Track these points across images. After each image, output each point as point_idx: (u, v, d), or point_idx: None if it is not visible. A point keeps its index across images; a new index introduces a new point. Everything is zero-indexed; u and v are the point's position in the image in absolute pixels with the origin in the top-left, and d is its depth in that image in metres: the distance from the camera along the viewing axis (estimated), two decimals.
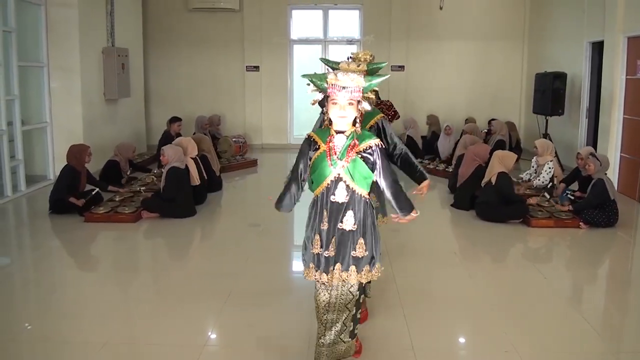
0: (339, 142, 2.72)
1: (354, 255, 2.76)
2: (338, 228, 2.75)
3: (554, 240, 5.74)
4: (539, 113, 9.40)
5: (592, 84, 8.63)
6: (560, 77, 8.89)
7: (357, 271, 2.78)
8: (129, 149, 7.94)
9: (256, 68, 11.38)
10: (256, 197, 6.24)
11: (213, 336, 3.59)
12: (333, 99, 2.64)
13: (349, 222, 2.74)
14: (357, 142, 2.69)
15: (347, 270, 2.77)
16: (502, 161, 6.23)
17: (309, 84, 2.74)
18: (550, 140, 8.32)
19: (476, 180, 6.53)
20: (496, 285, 4.58)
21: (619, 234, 5.83)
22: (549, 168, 7.08)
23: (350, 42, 11.54)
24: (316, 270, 2.80)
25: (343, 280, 2.79)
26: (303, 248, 2.92)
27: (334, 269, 2.77)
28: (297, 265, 5.27)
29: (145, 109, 10.90)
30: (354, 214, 2.74)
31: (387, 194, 2.84)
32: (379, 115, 3.57)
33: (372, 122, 3.46)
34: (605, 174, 6.05)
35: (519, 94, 11.45)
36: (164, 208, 6.14)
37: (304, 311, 3.92)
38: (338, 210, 2.74)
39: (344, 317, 2.87)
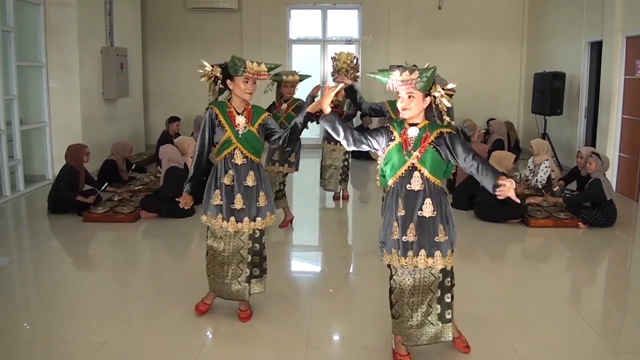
0: (412, 133, 2.93)
1: (437, 240, 2.94)
2: (418, 215, 2.93)
3: (553, 240, 5.75)
4: (538, 113, 9.40)
5: (591, 83, 8.64)
6: (559, 77, 8.90)
7: (442, 256, 2.96)
8: (126, 147, 7.94)
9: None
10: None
11: (211, 336, 3.59)
12: (397, 93, 2.90)
13: (427, 209, 2.92)
14: (429, 134, 2.90)
15: (432, 256, 2.95)
16: (500, 161, 6.24)
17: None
18: (549, 140, 8.33)
19: (475, 181, 6.46)
20: (495, 285, 4.59)
21: (617, 234, 5.83)
22: (545, 167, 7.09)
23: (349, 41, 11.54)
24: (400, 256, 2.97)
25: (429, 265, 2.97)
26: (382, 236, 3.07)
27: (418, 254, 2.94)
28: (297, 265, 5.28)
29: (144, 108, 10.89)
30: (432, 201, 2.92)
31: (478, 170, 2.84)
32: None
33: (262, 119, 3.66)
34: (604, 174, 6.06)
35: (517, 93, 11.46)
36: (163, 208, 6.15)
37: (304, 311, 3.92)
38: (414, 198, 2.92)
39: (428, 299, 3.05)
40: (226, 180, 3.51)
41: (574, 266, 5.21)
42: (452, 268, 3.08)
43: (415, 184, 2.91)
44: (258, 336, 3.60)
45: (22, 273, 4.78)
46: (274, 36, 11.37)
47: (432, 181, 2.92)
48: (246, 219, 3.54)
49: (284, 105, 5.60)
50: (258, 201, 3.57)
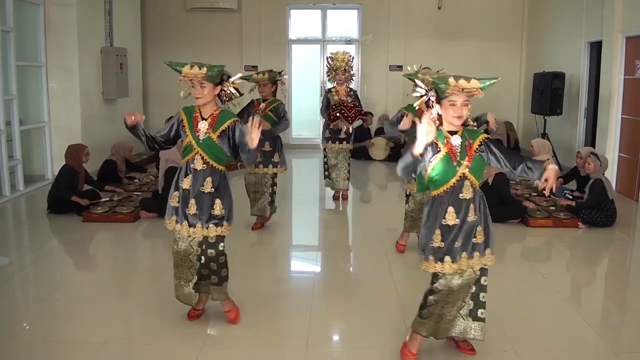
0: (456, 142, 2.93)
1: (475, 242, 3.04)
2: (465, 221, 2.98)
3: (553, 240, 5.75)
4: (538, 113, 9.40)
5: (591, 83, 8.64)
6: (559, 76, 8.90)
7: (480, 255, 3.07)
8: (126, 147, 7.93)
9: (254, 68, 11.34)
10: (274, 198, 6.28)
11: (211, 336, 3.59)
12: (452, 100, 2.85)
13: (471, 214, 2.98)
14: (470, 141, 2.94)
15: (471, 257, 3.04)
16: None
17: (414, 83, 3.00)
18: (549, 140, 8.33)
19: None
20: (495, 285, 4.58)
21: (617, 234, 5.84)
22: None
23: (348, 41, 11.53)
24: (435, 262, 3.01)
25: (470, 266, 3.05)
26: (422, 243, 3.09)
27: (461, 257, 3.01)
28: (297, 265, 5.28)
29: (144, 108, 10.89)
30: (474, 206, 2.98)
31: (527, 168, 2.94)
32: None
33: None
34: (603, 174, 6.06)
35: (517, 93, 11.46)
36: (163, 208, 6.11)
37: (304, 311, 3.92)
38: (465, 206, 2.96)
39: (464, 295, 3.14)
40: (184, 185, 3.46)
41: (574, 266, 5.21)
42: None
43: (466, 192, 2.94)
44: (258, 336, 3.59)
45: (22, 273, 4.78)
46: (274, 36, 11.36)
47: (477, 187, 2.99)
48: (199, 224, 3.46)
49: (262, 105, 5.54)
50: (213, 208, 3.46)
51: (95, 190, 6.67)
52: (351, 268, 5.16)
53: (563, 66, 9.15)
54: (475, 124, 3.04)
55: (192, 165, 3.45)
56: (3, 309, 3.95)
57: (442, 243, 2.98)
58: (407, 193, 5.06)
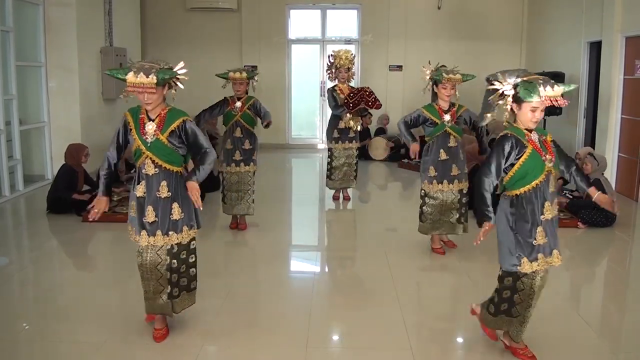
0: (535, 138, 2.98)
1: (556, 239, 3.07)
2: (545, 218, 2.99)
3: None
4: None
5: (590, 84, 8.64)
6: (559, 77, 8.89)
7: (558, 254, 3.07)
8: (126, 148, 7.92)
9: (254, 68, 11.36)
10: (254, 197, 6.24)
11: (211, 336, 3.58)
12: (535, 107, 2.87)
13: (555, 209, 3.04)
14: (543, 137, 3.00)
15: (551, 255, 3.04)
16: None
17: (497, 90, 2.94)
18: None
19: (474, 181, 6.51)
20: (494, 284, 4.57)
21: (617, 234, 5.84)
22: None
23: (348, 41, 11.54)
24: (535, 260, 3.00)
25: (549, 265, 3.07)
26: (514, 244, 3.04)
27: (552, 254, 3.05)
28: (296, 264, 5.28)
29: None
30: (551, 203, 3.01)
31: (572, 173, 3.13)
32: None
33: None
34: (602, 174, 6.06)
35: None
36: None
37: (304, 311, 3.92)
38: (551, 201, 3.01)
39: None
40: (138, 192, 3.24)
41: (574, 266, 5.21)
42: None
43: (552, 186, 2.99)
44: (258, 336, 3.59)
45: (21, 273, 4.78)
46: (274, 36, 11.37)
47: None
48: (159, 232, 3.24)
49: (238, 103, 5.44)
50: (172, 214, 3.25)
51: (94, 190, 6.67)
52: (351, 268, 5.16)
53: (563, 66, 9.15)
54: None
55: (143, 171, 3.22)
56: (2, 309, 3.94)
57: (546, 239, 2.99)
58: (423, 194, 5.01)
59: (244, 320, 3.80)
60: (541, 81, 2.85)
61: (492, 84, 2.96)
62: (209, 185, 7.24)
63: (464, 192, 4.93)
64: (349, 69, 6.61)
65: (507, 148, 2.94)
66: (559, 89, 2.84)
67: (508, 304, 3.17)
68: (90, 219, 3.38)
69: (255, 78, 5.53)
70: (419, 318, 3.82)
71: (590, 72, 8.65)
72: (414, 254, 5.19)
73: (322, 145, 11.50)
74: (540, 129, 3.05)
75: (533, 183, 2.94)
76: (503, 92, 2.92)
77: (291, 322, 3.77)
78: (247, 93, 5.51)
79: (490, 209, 3.04)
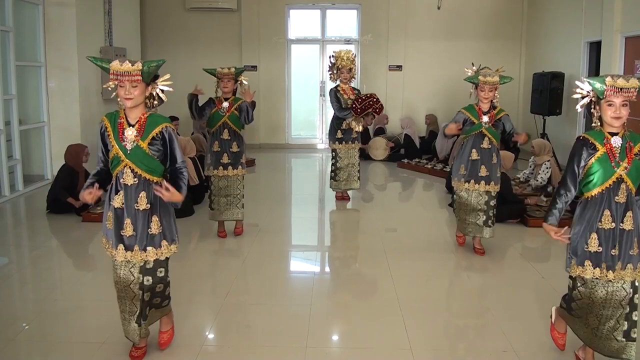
0: (616, 143, 2.86)
1: (632, 253, 2.89)
2: (620, 228, 2.88)
3: (552, 240, 5.70)
4: (537, 113, 9.41)
5: None
6: (558, 77, 8.91)
7: (633, 268, 2.89)
8: None
9: (254, 68, 11.37)
10: (254, 197, 6.26)
11: (211, 336, 3.59)
12: (609, 101, 2.81)
13: (628, 222, 2.88)
14: (632, 144, 2.85)
15: (624, 268, 2.89)
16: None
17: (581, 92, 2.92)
18: (548, 140, 8.33)
19: None
20: (494, 284, 4.59)
21: None
22: (547, 168, 7.09)
23: (348, 41, 11.54)
24: (594, 268, 2.91)
25: (621, 277, 2.90)
26: (573, 247, 3.02)
27: (615, 268, 2.89)
28: (296, 265, 5.27)
29: None
30: (633, 214, 2.88)
31: None
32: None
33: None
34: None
35: (516, 93, 11.46)
36: None
37: (304, 311, 3.92)
38: (622, 211, 2.88)
39: (617, 314, 2.94)
40: (116, 203, 3.01)
41: None
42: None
43: (622, 196, 2.86)
44: (258, 336, 3.59)
45: (21, 273, 4.78)
46: (273, 36, 11.38)
47: (633, 193, 2.89)
48: (136, 247, 3.03)
49: (225, 104, 5.26)
50: (150, 227, 3.05)
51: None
52: (351, 268, 5.16)
53: (562, 66, 9.16)
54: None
55: (121, 180, 3.00)
56: (2, 309, 3.94)
57: (600, 247, 2.90)
58: (454, 191, 5.14)
59: (244, 320, 3.80)
60: (611, 74, 2.82)
61: (576, 92, 2.97)
62: (198, 197, 6.95)
63: (492, 194, 4.93)
64: (350, 69, 6.61)
65: (577, 151, 2.92)
66: (634, 82, 2.78)
67: (568, 307, 3.15)
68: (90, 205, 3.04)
69: (244, 80, 5.36)
70: (418, 318, 3.82)
71: (589, 72, 8.66)
72: (414, 254, 5.20)
73: (322, 145, 11.51)
74: (634, 134, 2.92)
75: (600, 188, 2.88)
76: (590, 100, 2.90)
77: (291, 322, 3.77)
78: (235, 94, 5.36)
79: (555, 211, 3.07)
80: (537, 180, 7.14)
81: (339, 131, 6.73)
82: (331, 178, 6.97)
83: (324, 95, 11.43)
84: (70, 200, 6.18)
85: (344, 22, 11.75)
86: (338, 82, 6.67)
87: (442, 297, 4.34)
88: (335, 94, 6.64)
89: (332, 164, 6.91)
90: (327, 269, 5.02)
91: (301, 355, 3.32)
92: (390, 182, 8.96)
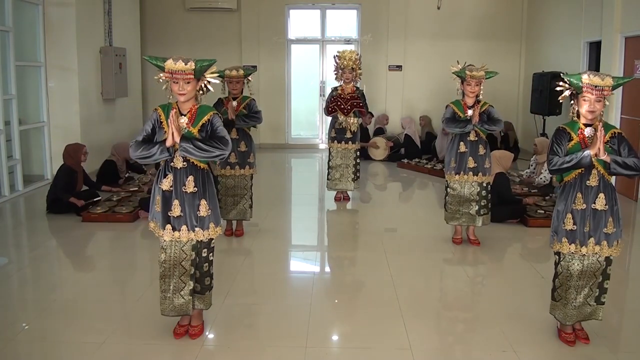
0: (589, 133, 3.20)
1: (605, 231, 3.26)
2: (592, 208, 3.23)
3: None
4: (537, 113, 9.41)
5: None
6: (558, 77, 8.87)
7: (608, 245, 3.28)
8: (126, 148, 7.91)
9: (254, 67, 11.33)
10: (254, 197, 6.21)
11: (211, 336, 3.59)
12: (585, 96, 3.15)
13: (599, 203, 3.22)
14: (603, 134, 3.12)
15: (599, 244, 3.27)
16: (499, 161, 6.23)
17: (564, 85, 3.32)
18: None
19: None
20: (494, 285, 4.59)
21: None
22: None
23: (348, 41, 11.54)
24: (570, 244, 3.29)
25: (595, 252, 3.29)
26: (554, 226, 3.38)
27: (587, 243, 3.27)
28: (296, 264, 5.28)
29: (143, 108, 10.89)
30: (605, 196, 3.22)
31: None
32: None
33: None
34: None
35: (516, 93, 11.47)
36: None
37: (303, 311, 3.92)
38: (593, 194, 3.22)
39: (591, 283, 3.36)
40: (164, 185, 3.22)
41: None
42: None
43: (593, 180, 3.20)
44: (257, 336, 3.59)
45: (20, 273, 4.78)
46: (273, 36, 11.37)
47: (606, 177, 3.22)
48: (184, 227, 3.24)
49: (234, 103, 5.26)
50: (199, 210, 3.25)
51: (93, 190, 6.67)
52: (351, 268, 5.16)
53: (562, 66, 9.15)
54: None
55: (171, 164, 3.21)
56: (2, 309, 3.94)
57: (575, 226, 3.25)
58: (446, 184, 5.29)
59: (244, 320, 3.80)
60: (588, 72, 3.13)
61: (558, 85, 3.33)
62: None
63: (484, 185, 5.16)
64: (353, 70, 6.61)
65: (558, 134, 3.26)
66: (608, 80, 3.08)
67: (552, 288, 3.49)
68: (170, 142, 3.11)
69: (250, 77, 5.39)
70: (418, 318, 3.82)
71: None
72: (413, 254, 5.20)
73: (322, 145, 11.51)
74: (608, 124, 3.24)
75: (574, 173, 3.23)
76: (571, 93, 3.25)
77: (291, 322, 3.77)
78: (242, 92, 5.36)
79: (557, 157, 3.21)
80: (540, 179, 7.14)
81: (333, 130, 6.77)
82: (327, 177, 7.02)
83: (324, 95, 11.42)
84: (73, 200, 6.19)
85: (344, 22, 11.75)
86: (341, 83, 6.68)
87: (442, 297, 4.34)
88: (331, 93, 6.70)
89: (328, 162, 6.99)
90: (327, 269, 5.02)
91: (301, 355, 3.32)
92: (390, 182, 8.96)
